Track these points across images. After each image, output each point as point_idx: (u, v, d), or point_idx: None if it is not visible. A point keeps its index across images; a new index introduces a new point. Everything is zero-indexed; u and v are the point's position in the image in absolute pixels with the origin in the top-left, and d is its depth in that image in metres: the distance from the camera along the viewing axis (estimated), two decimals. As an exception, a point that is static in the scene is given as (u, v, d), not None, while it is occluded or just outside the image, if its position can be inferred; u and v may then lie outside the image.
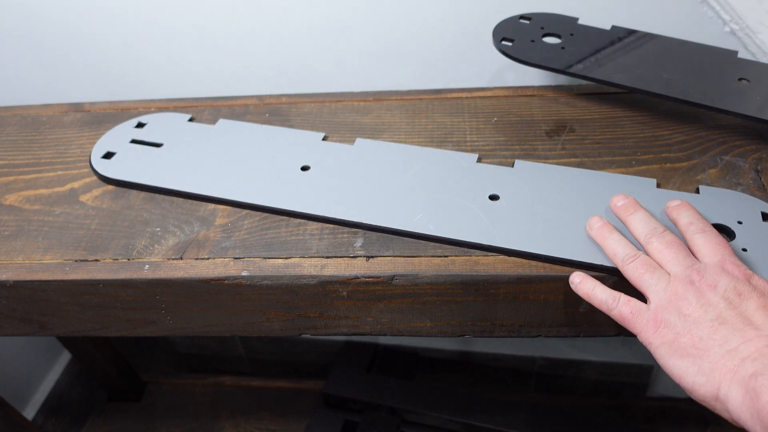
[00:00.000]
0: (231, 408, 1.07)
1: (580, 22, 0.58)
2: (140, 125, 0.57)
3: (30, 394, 1.07)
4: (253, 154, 0.52)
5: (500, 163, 0.50)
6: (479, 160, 0.50)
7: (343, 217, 0.46)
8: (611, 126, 0.54)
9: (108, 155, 0.54)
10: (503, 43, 0.56)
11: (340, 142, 0.54)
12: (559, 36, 0.56)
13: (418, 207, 0.46)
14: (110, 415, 1.09)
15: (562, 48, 0.55)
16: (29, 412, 1.05)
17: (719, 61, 0.53)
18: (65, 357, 1.15)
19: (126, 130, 0.57)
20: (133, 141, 0.55)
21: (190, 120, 0.57)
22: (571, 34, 0.56)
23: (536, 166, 0.49)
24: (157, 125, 0.57)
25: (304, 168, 0.50)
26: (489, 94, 0.59)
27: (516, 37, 0.56)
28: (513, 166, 0.49)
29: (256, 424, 1.04)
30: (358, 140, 0.53)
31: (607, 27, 0.58)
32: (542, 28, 0.57)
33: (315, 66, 0.75)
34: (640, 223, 0.41)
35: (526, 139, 0.53)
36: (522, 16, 0.59)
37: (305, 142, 0.53)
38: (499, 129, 0.54)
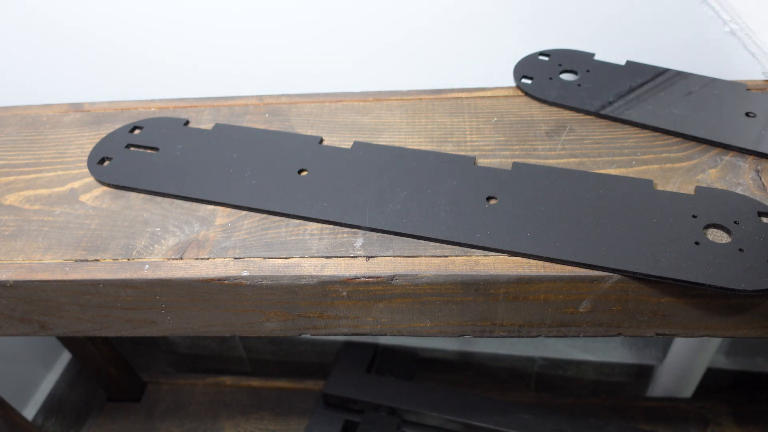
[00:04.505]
0: (231, 408, 1.07)
1: (596, 57, 0.61)
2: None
3: (30, 394, 1.07)
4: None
5: (500, 164, 0.50)
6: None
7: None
8: (611, 126, 0.54)
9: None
10: (523, 81, 0.59)
11: (340, 142, 0.54)
12: (575, 72, 0.60)
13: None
14: (110, 415, 1.09)
15: (578, 85, 0.58)
16: (29, 412, 1.05)
17: (728, 94, 0.55)
18: (65, 357, 1.15)
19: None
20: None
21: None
22: (587, 71, 0.59)
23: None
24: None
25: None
26: (489, 94, 0.59)
27: (535, 75, 0.59)
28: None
29: (256, 424, 1.04)
30: (355, 143, 0.53)
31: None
32: (560, 65, 0.60)
33: (315, 66, 0.75)
34: None
35: (526, 139, 0.53)
36: (541, 53, 0.62)
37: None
38: (499, 129, 0.54)
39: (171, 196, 0.50)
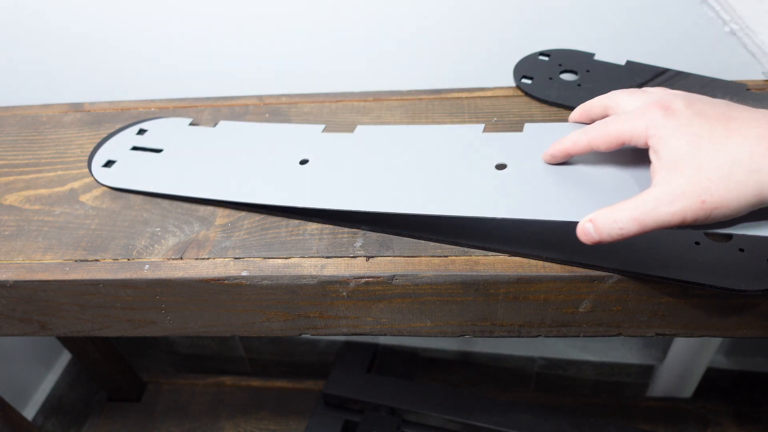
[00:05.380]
0: (231, 408, 1.07)
1: (596, 57, 0.61)
2: (141, 132, 0.57)
3: (30, 394, 1.07)
4: (252, 152, 0.52)
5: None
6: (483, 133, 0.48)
7: (344, 208, 0.44)
8: (611, 126, 0.54)
9: (109, 163, 0.54)
10: (523, 81, 0.59)
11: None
12: (575, 72, 0.59)
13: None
14: (110, 415, 1.09)
15: (578, 85, 0.58)
16: (29, 412, 1.05)
17: (728, 94, 0.55)
18: (65, 357, 1.15)
19: (127, 137, 0.57)
20: (134, 148, 0.55)
21: (191, 124, 0.57)
22: (587, 71, 0.59)
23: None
24: (157, 131, 0.56)
25: (303, 162, 0.49)
26: (489, 94, 0.59)
27: (535, 75, 0.59)
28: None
29: (256, 424, 1.04)
30: (359, 127, 0.51)
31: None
32: (560, 65, 0.60)
33: (315, 66, 0.75)
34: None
35: (526, 139, 0.53)
36: (541, 53, 0.62)
37: (304, 135, 0.52)
38: (499, 129, 0.54)
39: (171, 197, 0.50)
